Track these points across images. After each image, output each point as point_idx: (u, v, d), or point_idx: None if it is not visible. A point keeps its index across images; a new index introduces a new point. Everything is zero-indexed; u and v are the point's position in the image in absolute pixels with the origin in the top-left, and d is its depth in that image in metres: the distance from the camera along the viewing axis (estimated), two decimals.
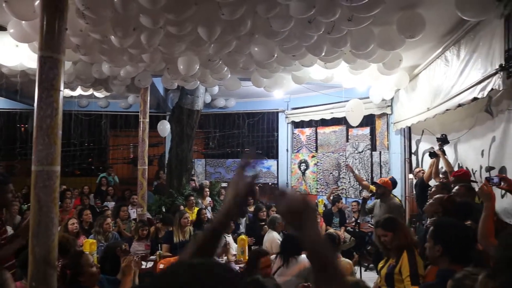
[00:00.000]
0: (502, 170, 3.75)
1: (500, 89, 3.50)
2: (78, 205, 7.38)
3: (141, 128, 6.59)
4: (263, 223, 6.42)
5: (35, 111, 2.74)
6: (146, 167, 6.62)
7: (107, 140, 11.94)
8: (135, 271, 3.26)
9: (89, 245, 4.52)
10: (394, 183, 5.97)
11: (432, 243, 2.22)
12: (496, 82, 3.51)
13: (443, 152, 4.95)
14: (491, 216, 2.55)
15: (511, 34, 3.37)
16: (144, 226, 5.43)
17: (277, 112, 10.27)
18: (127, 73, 5.42)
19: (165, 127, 8.30)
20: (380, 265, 3.12)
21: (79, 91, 7.51)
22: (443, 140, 4.98)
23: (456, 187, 3.47)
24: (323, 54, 4.48)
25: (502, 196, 3.68)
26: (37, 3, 3.33)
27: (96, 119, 10.74)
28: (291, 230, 0.99)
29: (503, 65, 3.38)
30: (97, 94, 8.10)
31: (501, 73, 3.42)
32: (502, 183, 2.84)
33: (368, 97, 7.12)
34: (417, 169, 6.05)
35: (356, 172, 8.38)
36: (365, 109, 7.62)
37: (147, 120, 6.62)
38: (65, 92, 7.53)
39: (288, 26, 3.63)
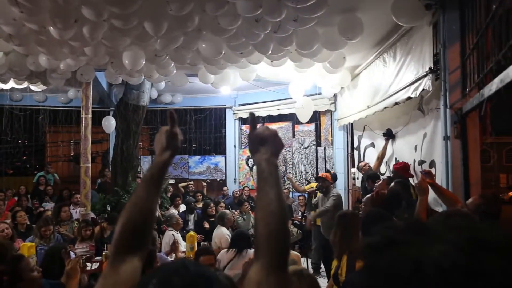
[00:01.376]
0: (432, 163, 4.11)
1: (430, 89, 3.83)
2: (12, 207, 6.89)
3: (83, 124, 6.29)
4: (213, 219, 6.45)
5: None
6: (89, 164, 6.34)
7: (45, 137, 11.21)
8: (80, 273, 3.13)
9: (28, 249, 4.25)
10: (334, 177, 6.33)
11: (361, 235, 2.35)
12: (427, 83, 3.85)
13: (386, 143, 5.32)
14: (425, 209, 2.76)
15: (438, 40, 3.70)
16: (87, 226, 5.21)
17: (225, 108, 10.29)
18: (68, 67, 5.15)
19: (110, 123, 7.98)
20: (332, 266, 3.06)
21: (11, 84, 6.97)
22: (388, 134, 5.30)
23: (392, 184, 3.70)
24: (270, 52, 4.58)
25: None
26: None
27: (32, 114, 10.01)
28: (251, 149, 1.06)
29: (432, 68, 3.70)
30: (33, 87, 7.56)
31: (431, 75, 3.75)
32: (426, 177, 3.08)
33: (314, 94, 7.38)
34: (362, 163, 6.19)
35: (302, 168, 8.70)
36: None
37: (90, 116, 6.33)
38: None
39: (235, 24, 3.67)
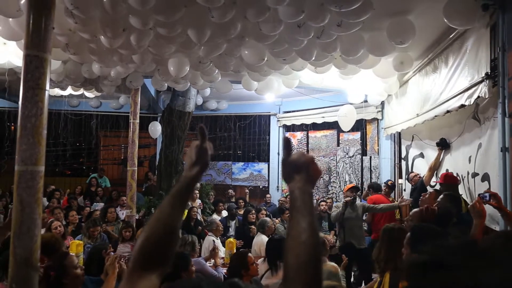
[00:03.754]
0: (485, 176, 3.79)
1: (486, 97, 3.55)
2: (65, 206, 7.32)
3: (131, 129, 6.54)
4: (253, 226, 6.42)
5: (19, 110, 2.71)
6: (136, 168, 6.57)
7: (98, 141, 11.85)
8: (119, 271, 3.22)
9: (76, 246, 4.47)
10: (392, 187, 6.38)
11: (408, 250, 2.09)
12: (482, 90, 3.56)
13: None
14: (480, 233, 2.49)
15: (496, 44, 3.41)
16: (127, 227, 5.36)
17: (269, 115, 10.29)
18: (118, 74, 5.39)
19: (156, 128, 8.26)
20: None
21: (69, 91, 7.46)
22: (442, 144, 5.01)
23: (441, 197, 3.44)
24: (313, 58, 4.49)
25: (485, 203, 3.71)
26: (23, 1, 3.31)
27: (87, 119, 10.64)
28: (285, 177, 1.01)
29: (489, 73, 3.43)
30: (88, 94, 8.05)
31: (487, 81, 3.47)
32: (492, 200, 2.76)
33: (360, 102, 7.16)
34: (412, 174, 5.88)
35: (347, 176, 8.46)
36: (357, 114, 7.68)
37: (137, 121, 6.58)
38: (55, 91, 7.47)
39: (277, 30, 3.64)
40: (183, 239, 4.67)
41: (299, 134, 9.82)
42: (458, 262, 0.44)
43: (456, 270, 0.44)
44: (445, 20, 3.58)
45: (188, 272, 3.34)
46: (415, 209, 3.36)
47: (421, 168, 5.89)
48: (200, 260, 4.62)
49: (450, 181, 4.17)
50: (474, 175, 4.12)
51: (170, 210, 1.01)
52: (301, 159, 0.97)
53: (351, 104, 7.36)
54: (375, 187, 6.26)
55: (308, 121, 9.24)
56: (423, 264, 0.48)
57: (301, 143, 9.76)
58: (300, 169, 0.96)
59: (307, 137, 9.61)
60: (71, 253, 3.36)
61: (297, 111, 9.57)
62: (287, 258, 0.87)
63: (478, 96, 3.66)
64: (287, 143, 1.03)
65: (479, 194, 2.91)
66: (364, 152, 8.23)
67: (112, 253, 3.58)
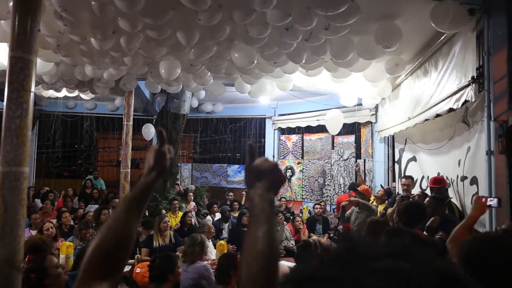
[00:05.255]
0: (473, 180, 3.80)
1: (473, 100, 3.56)
2: (60, 207, 7.31)
3: (125, 131, 6.56)
4: (246, 229, 6.41)
5: (3, 111, 2.72)
6: (129, 170, 6.58)
7: (91, 142, 11.85)
8: None
9: (66, 248, 4.47)
10: (389, 193, 6.12)
11: None
12: (469, 93, 3.58)
13: None
14: (470, 226, 2.48)
15: (483, 51, 3.43)
16: None
17: (265, 118, 10.30)
18: (110, 76, 5.41)
19: (149, 131, 8.26)
20: None
21: (64, 92, 7.47)
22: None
23: (427, 199, 3.45)
24: (304, 61, 4.51)
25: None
26: (11, 3, 3.32)
27: (83, 121, 10.66)
28: (246, 184, 0.98)
29: (475, 77, 3.44)
30: (83, 96, 8.07)
31: (473, 85, 3.48)
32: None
33: (353, 105, 7.18)
34: (403, 181, 5.60)
35: (341, 180, 8.46)
36: (351, 117, 7.70)
37: (131, 123, 6.60)
38: (49, 93, 7.49)
39: (265, 33, 3.65)
40: (193, 238, 4.47)
41: (294, 137, 9.83)
42: (327, 275, 0.44)
43: (324, 283, 0.43)
44: (432, 24, 3.59)
45: (174, 274, 3.33)
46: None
47: (414, 171, 5.89)
48: (209, 267, 4.39)
49: (439, 184, 4.18)
50: (463, 178, 4.13)
51: (123, 217, 0.96)
52: (264, 165, 0.93)
53: (344, 107, 7.39)
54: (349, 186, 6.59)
55: (303, 124, 9.25)
56: (294, 279, 0.46)
57: (296, 146, 9.77)
58: (262, 176, 0.92)
59: (302, 140, 9.61)
60: (52, 254, 3.36)
61: (292, 114, 9.58)
62: (240, 268, 0.82)
63: (466, 100, 3.68)
64: (250, 149, 0.99)
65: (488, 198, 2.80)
66: (358, 155, 8.24)
67: None
